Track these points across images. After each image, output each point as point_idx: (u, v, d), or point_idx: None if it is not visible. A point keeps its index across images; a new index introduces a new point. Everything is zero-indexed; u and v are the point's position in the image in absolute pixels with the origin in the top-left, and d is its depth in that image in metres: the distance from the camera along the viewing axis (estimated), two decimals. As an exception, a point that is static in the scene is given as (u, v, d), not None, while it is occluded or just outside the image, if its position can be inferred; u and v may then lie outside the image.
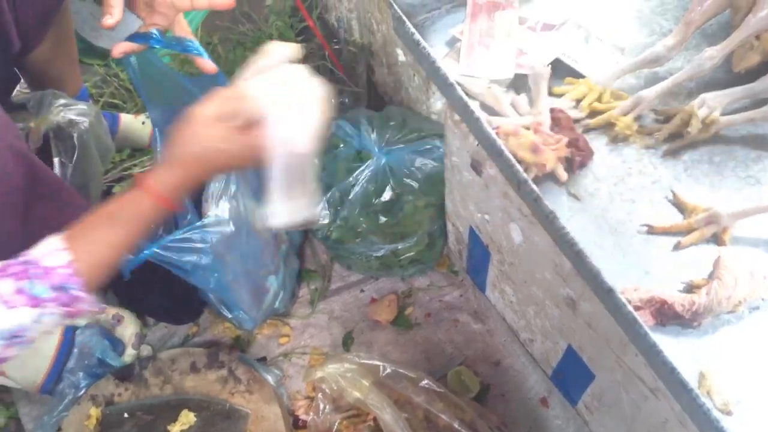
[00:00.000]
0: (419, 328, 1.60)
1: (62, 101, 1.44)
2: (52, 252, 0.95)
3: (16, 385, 1.49)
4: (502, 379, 1.52)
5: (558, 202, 1.11)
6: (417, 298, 1.65)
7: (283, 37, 1.86)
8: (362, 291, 1.66)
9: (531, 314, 1.39)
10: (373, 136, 1.58)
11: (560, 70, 1.22)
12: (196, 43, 1.35)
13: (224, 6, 1.33)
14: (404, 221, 1.54)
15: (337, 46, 1.86)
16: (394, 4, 1.27)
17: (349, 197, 1.54)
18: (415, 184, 1.51)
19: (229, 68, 1.88)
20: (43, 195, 1.25)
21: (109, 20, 1.23)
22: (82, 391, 1.44)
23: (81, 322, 1.00)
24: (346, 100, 1.85)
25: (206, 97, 1.01)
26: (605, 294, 0.97)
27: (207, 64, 1.33)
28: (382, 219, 1.54)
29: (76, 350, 1.47)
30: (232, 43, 1.94)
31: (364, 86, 1.86)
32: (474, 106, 1.14)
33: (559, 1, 1.33)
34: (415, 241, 1.57)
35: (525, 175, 1.07)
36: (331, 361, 1.35)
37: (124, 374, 1.45)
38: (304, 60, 1.85)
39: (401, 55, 1.70)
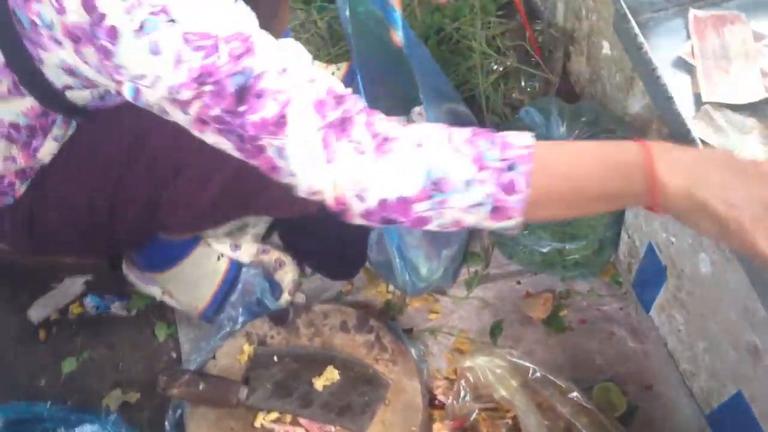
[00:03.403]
0: (571, 333, 1.55)
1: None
2: (518, 137, 0.87)
3: (180, 306, 1.58)
4: (652, 405, 1.45)
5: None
6: (574, 301, 1.59)
7: (485, 10, 1.81)
8: (519, 283, 1.62)
9: (700, 349, 1.31)
10: (562, 129, 1.51)
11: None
12: (398, 14, 1.34)
13: None
14: (577, 222, 1.48)
15: (538, 27, 1.79)
16: (621, 1, 1.20)
17: (526, 188, 1.49)
18: (597, 188, 1.44)
19: (424, 33, 1.87)
20: None
21: None
22: (239, 326, 1.51)
23: (509, 224, 0.87)
24: (536, 85, 1.79)
25: None
26: (809, 360, 0.89)
27: (395, 37, 1.32)
28: (556, 216, 1.49)
29: (240, 285, 1.54)
30: (431, 8, 1.91)
31: (559, 74, 1.79)
32: (694, 127, 1.06)
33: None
34: (584, 244, 1.51)
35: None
36: (481, 352, 1.33)
37: (279, 318, 1.50)
38: (501, 36, 1.81)
39: (606, 48, 1.61)
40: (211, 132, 0.89)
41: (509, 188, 0.85)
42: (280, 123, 0.85)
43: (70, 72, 0.97)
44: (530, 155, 0.85)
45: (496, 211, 0.86)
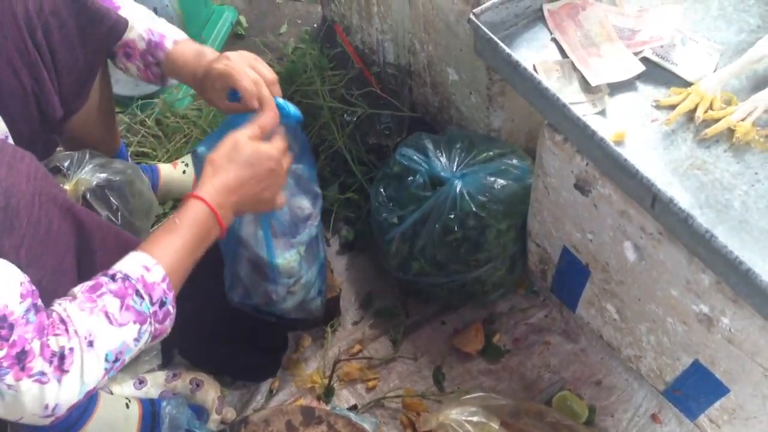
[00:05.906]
0: (510, 355, 1.54)
1: (98, 161, 1.35)
2: (148, 268, 0.99)
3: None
4: (607, 399, 1.47)
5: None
6: (501, 323, 1.58)
7: (318, 66, 1.78)
8: (443, 323, 1.59)
9: (642, 331, 1.34)
10: (443, 160, 1.51)
11: (659, 76, 1.19)
12: None
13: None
14: (488, 246, 1.47)
15: (377, 70, 1.79)
16: (482, 26, 1.22)
17: (426, 227, 1.47)
18: (496, 207, 1.44)
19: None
20: (93, 249, 1.15)
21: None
22: (176, 468, 1.34)
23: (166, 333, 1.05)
24: (391, 126, 1.78)
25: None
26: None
27: None
28: (464, 246, 1.47)
29: (164, 424, 1.37)
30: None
31: (409, 109, 1.79)
32: (595, 125, 1.09)
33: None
34: (498, 264, 1.51)
35: (668, 193, 1.02)
36: (448, 406, 1.27)
37: (218, 443, 1.35)
38: (344, 86, 1.79)
39: (453, 75, 1.63)
40: None
41: (164, 318, 1.01)
42: None
43: None
44: (168, 282, 1.00)
45: (157, 334, 1.02)
